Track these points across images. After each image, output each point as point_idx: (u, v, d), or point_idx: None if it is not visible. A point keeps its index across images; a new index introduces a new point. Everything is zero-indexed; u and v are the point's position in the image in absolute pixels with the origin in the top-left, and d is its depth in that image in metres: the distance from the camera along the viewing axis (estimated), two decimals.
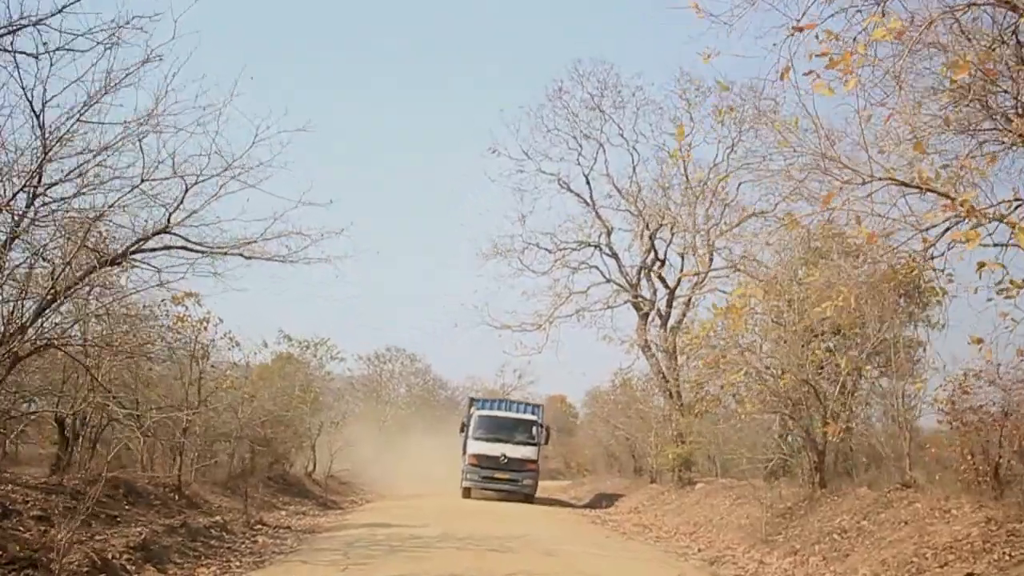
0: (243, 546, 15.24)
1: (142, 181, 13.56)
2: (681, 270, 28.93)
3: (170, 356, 18.86)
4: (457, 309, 72.57)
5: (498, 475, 29.98)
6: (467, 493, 30.43)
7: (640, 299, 29.15)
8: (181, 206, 13.98)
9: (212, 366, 19.24)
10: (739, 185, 28.52)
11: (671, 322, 28.77)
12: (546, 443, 32.68)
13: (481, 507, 26.77)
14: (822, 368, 18.50)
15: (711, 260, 28.95)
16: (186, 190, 13.66)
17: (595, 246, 29.62)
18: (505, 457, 29.86)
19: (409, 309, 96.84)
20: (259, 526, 18.41)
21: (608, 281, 29.56)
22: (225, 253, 15.19)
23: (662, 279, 29.10)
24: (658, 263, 28.87)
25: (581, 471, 54.68)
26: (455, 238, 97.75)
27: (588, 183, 29.28)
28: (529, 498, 30.33)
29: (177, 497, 17.59)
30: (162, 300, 17.95)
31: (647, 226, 28.41)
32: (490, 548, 15.17)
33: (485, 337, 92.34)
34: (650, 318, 29.20)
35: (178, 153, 13.61)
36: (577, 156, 29.18)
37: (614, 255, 29.63)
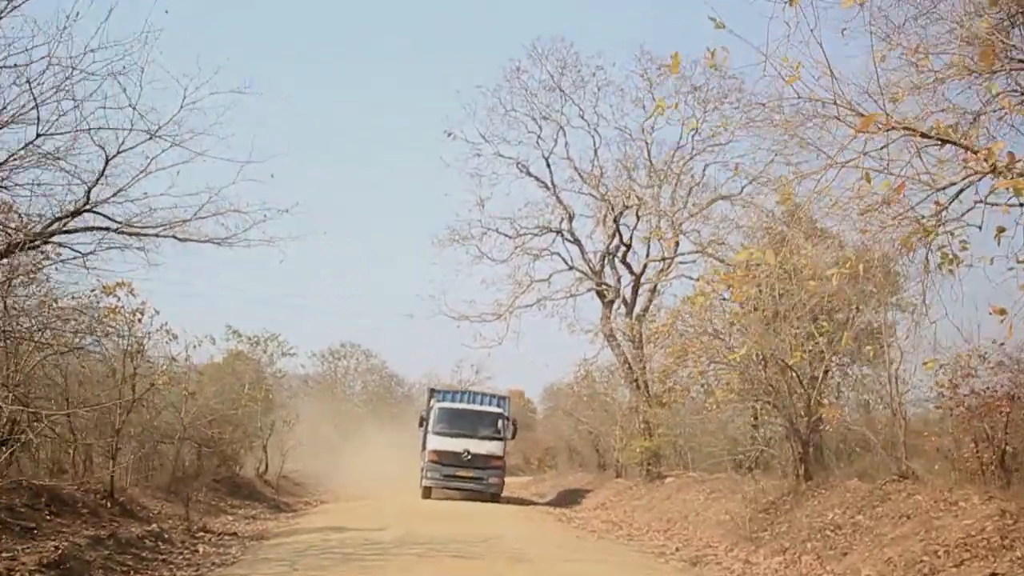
0: (180, 557, 13.77)
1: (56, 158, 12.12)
2: (647, 255, 27.80)
3: (101, 350, 17.36)
4: (411, 299, 71.35)
5: (461, 473, 28.08)
6: (427, 493, 28.49)
7: (604, 287, 27.92)
8: (103, 180, 12.52)
9: (148, 361, 17.68)
10: (705, 167, 27.60)
11: (636, 310, 27.60)
12: (512, 437, 30.66)
13: (442, 507, 25.42)
14: (805, 353, 17.39)
15: (677, 245, 27.87)
16: (106, 161, 12.17)
17: (556, 232, 28.31)
18: (468, 453, 27.99)
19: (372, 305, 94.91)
20: (201, 533, 16.92)
21: (571, 268, 28.26)
22: (156, 235, 13.84)
23: (627, 265, 27.89)
24: (623, 248, 27.63)
25: (542, 466, 53.56)
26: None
27: (548, 166, 28.07)
28: (495, 498, 28.47)
29: (109, 505, 16.04)
30: (92, 290, 16.52)
31: (611, 209, 27.17)
32: (453, 554, 13.87)
33: (441, 331, 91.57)
34: (615, 306, 28.00)
35: (98, 121, 12.17)
36: (536, 139, 27.95)
37: (576, 241, 28.40)
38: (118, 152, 12.21)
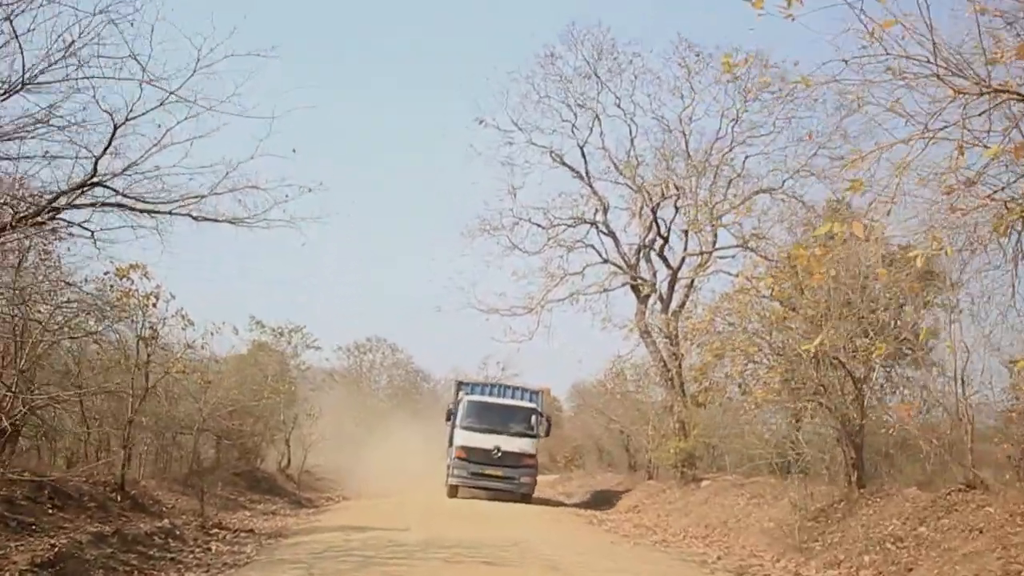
0: (191, 556, 12.92)
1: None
2: (684, 249, 26.65)
3: (114, 336, 16.58)
4: (440, 292, 70.33)
5: (490, 471, 26.49)
6: (453, 492, 26.99)
7: (640, 281, 26.83)
8: (112, 150, 11.63)
9: (163, 348, 16.85)
10: (745, 159, 26.50)
11: (672, 306, 26.48)
12: (546, 435, 29.07)
13: (467, 507, 24.46)
14: (855, 352, 16.32)
15: (715, 239, 26.82)
16: (114, 129, 11.27)
17: (591, 223, 27.19)
18: (499, 451, 26.46)
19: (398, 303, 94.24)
20: (216, 530, 16.09)
21: (605, 261, 27.13)
22: (170, 212, 12.91)
23: (664, 259, 26.78)
24: (660, 241, 26.54)
25: (569, 465, 52.52)
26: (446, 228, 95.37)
27: (583, 155, 26.94)
28: (526, 498, 26.87)
29: (120, 498, 15.22)
30: (105, 273, 15.71)
31: (649, 199, 26.07)
32: (483, 559, 12.90)
33: (469, 325, 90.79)
34: (650, 302, 26.94)
35: (106, 88, 11.29)
36: (571, 127, 26.86)
37: (611, 234, 27.27)
38: (127, 119, 11.31)
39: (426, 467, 32.72)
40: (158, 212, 12.65)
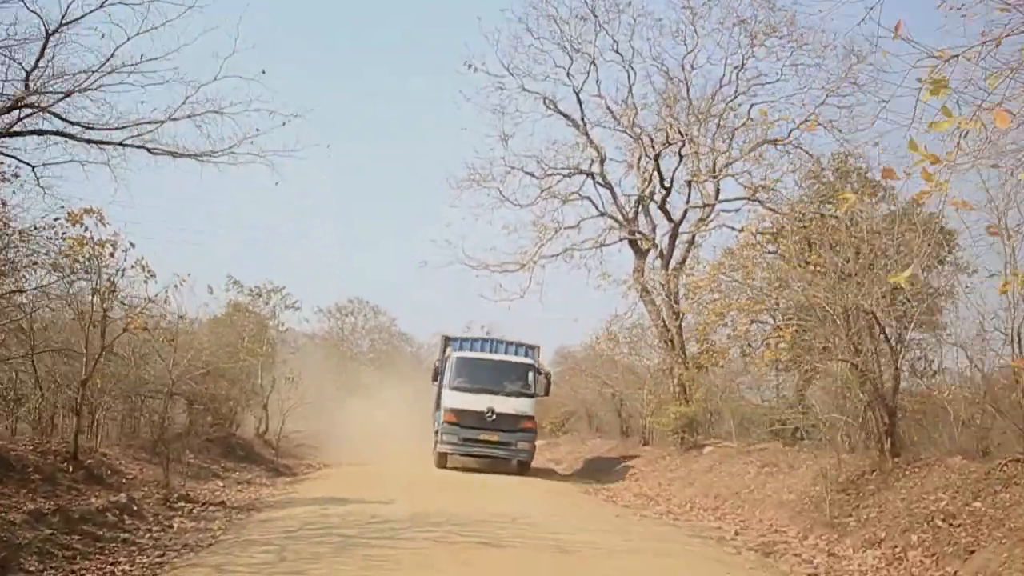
0: (147, 536, 11.40)
1: None
2: (687, 201, 24.96)
3: (67, 289, 14.91)
4: (426, 247, 68.51)
5: (484, 437, 23.81)
6: (442, 460, 24.61)
7: (639, 235, 25.22)
8: (48, 66, 9.93)
9: (123, 303, 15.17)
10: (751, 107, 24.87)
11: (673, 262, 24.88)
12: (546, 393, 26.19)
13: (454, 476, 22.93)
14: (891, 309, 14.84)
15: (718, 192, 25.24)
16: (47, 35, 9.56)
17: (587, 174, 25.39)
18: (493, 413, 23.74)
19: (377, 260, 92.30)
20: (182, 503, 14.60)
21: (602, 215, 25.27)
22: (122, 143, 11.22)
23: (666, 212, 25.06)
24: (662, 192, 24.82)
25: (556, 431, 51.14)
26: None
27: (579, 101, 25.05)
28: (524, 467, 24.54)
29: (71, 469, 13.64)
30: (55, 218, 14.04)
31: (652, 145, 24.32)
32: (479, 539, 11.40)
33: (453, 284, 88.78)
34: (649, 258, 25.36)
35: None
36: (566, 73, 25.06)
37: (608, 185, 25.45)
38: (62, 24, 9.57)
39: (409, 431, 31.09)
40: (108, 143, 11.00)
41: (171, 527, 12.34)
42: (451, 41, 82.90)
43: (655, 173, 24.65)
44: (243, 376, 29.20)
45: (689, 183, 24.77)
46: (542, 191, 25.24)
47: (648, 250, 25.24)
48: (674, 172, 24.51)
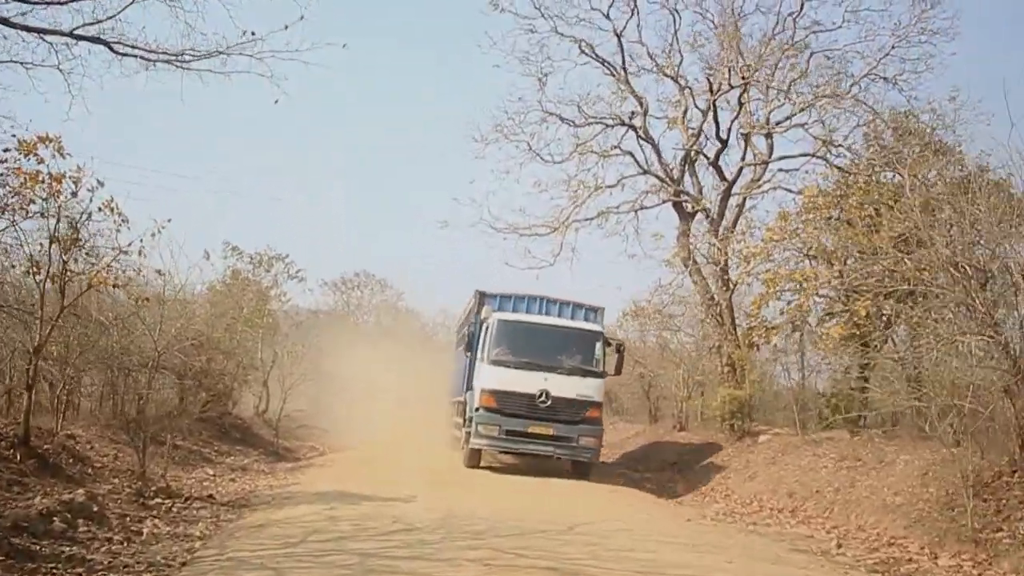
0: (103, 551, 8.67)
1: None
2: (743, 158, 22.10)
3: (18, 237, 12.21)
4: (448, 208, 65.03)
5: (535, 429, 17.99)
6: (475, 458, 18.83)
7: (685, 197, 22.38)
8: None
9: (87, 254, 12.45)
10: (810, 55, 22.05)
11: (722, 229, 22.03)
12: (617, 372, 19.95)
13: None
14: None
15: (771, 151, 22.48)
16: None
17: (629, 126, 22.62)
18: (547, 397, 17.98)
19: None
20: (159, 500, 11.93)
21: (645, 172, 22.42)
22: (71, 34, 8.49)
23: (719, 169, 22.21)
24: (718, 146, 21.87)
25: None
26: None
27: (621, 45, 22.04)
28: (584, 470, 18.73)
29: (19, 457, 11.01)
30: (4, 149, 11.34)
31: (711, 89, 21.34)
32: (544, 561, 8.57)
33: (465, 258, 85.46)
34: (694, 222, 22.51)
35: None
36: (605, 13, 22.13)
37: (651, 140, 22.60)
38: None
39: (419, 411, 28.20)
40: (55, 32, 8.23)
41: (140, 534, 9.67)
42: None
43: (711, 122, 21.82)
44: (241, 350, 26.74)
45: (746, 136, 21.92)
46: (577, 146, 22.40)
47: (695, 213, 22.47)
48: (731, 124, 21.63)
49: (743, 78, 20.81)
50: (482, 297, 20.66)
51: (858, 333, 18.75)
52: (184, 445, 18.66)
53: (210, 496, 13.27)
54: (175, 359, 17.44)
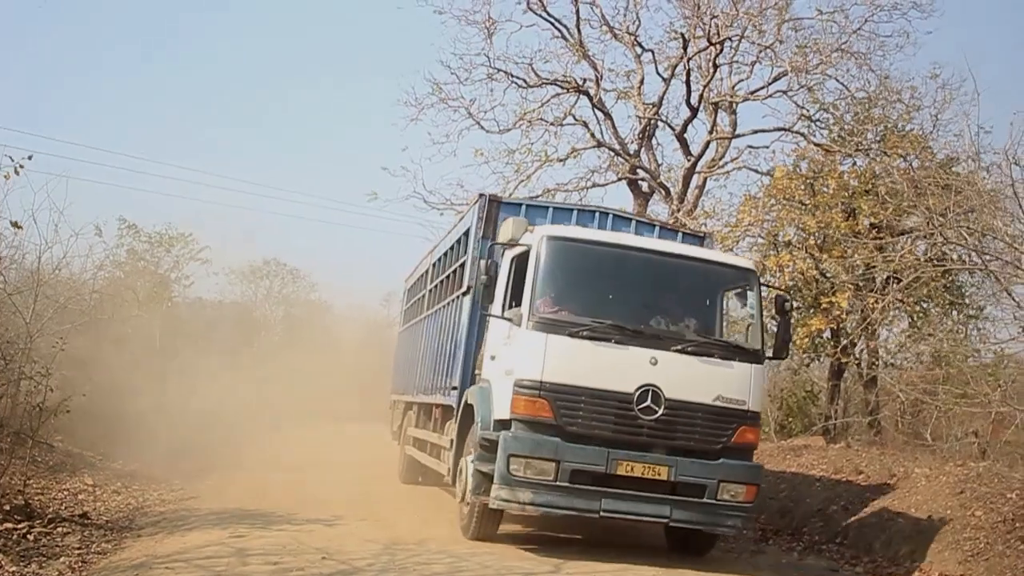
0: None
1: None
2: (711, 131, 19.74)
3: None
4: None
5: (631, 466, 9.02)
6: (489, 525, 9.77)
7: (642, 173, 20.03)
8: None
9: None
10: (779, 25, 19.89)
11: (682, 211, 19.70)
12: (781, 355, 10.23)
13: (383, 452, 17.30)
14: None
15: (735, 127, 20.39)
16: None
17: (583, 92, 20.10)
18: (657, 401, 9.09)
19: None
20: (8, 524, 9.14)
21: (599, 145, 19.93)
22: None
23: (684, 142, 19.83)
24: (687, 115, 19.35)
25: None
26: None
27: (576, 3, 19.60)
28: (707, 544, 10.26)
29: None
30: None
31: (685, 51, 18.70)
32: None
33: (367, 247, 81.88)
34: (651, 202, 20.19)
35: None
36: None
37: (605, 110, 20.20)
38: None
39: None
40: None
41: None
42: None
43: (676, 89, 19.52)
44: (136, 338, 23.92)
45: (716, 105, 19.68)
46: (525, 113, 19.90)
47: (652, 192, 20.19)
48: (702, 91, 19.23)
49: (710, 42, 18.55)
50: (493, 206, 11.20)
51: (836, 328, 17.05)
52: (62, 447, 15.82)
53: (84, 515, 10.56)
54: (55, 346, 14.73)
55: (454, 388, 11.14)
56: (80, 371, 17.94)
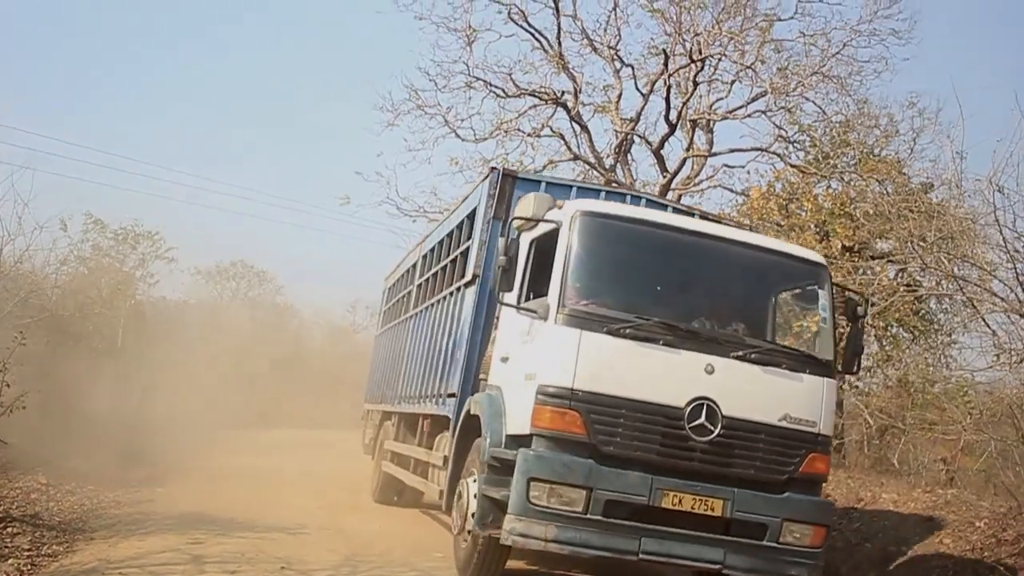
0: None
1: None
2: (688, 148, 19.70)
3: None
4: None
5: (679, 498, 7.30)
6: (494, 564, 8.06)
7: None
8: None
9: None
10: (760, 46, 19.92)
11: None
12: (852, 369, 8.56)
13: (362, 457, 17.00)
14: None
15: (711, 146, 20.41)
16: None
17: (561, 105, 19.99)
18: (712, 418, 7.39)
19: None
20: None
21: (575, 158, 19.90)
22: None
23: (661, 159, 19.79)
24: (665, 131, 19.24)
25: None
26: None
27: (557, 10, 19.28)
28: None
29: None
30: None
31: (667, 68, 18.54)
32: None
33: (336, 252, 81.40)
34: None
35: None
36: None
37: (582, 123, 20.12)
38: None
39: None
40: None
41: None
42: None
43: (654, 105, 19.47)
44: (97, 336, 23.52)
45: (694, 123, 19.68)
46: (502, 123, 19.81)
47: None
48: (682, 108, 19.23)
49: (692, 59, 18.53)
50: (507, 181, 9.57)
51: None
52: (17, 445, 15.41)
53: (35, 515, 10.25)
54: (12, 339, 14.43)
55: (451, 395, 9.57)
56: (38, 367, 17.60)
